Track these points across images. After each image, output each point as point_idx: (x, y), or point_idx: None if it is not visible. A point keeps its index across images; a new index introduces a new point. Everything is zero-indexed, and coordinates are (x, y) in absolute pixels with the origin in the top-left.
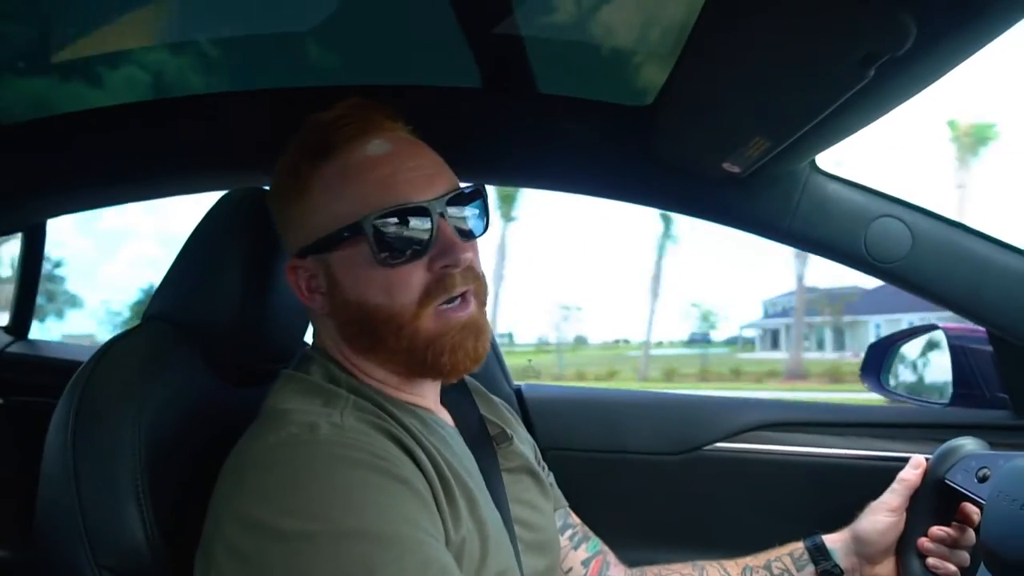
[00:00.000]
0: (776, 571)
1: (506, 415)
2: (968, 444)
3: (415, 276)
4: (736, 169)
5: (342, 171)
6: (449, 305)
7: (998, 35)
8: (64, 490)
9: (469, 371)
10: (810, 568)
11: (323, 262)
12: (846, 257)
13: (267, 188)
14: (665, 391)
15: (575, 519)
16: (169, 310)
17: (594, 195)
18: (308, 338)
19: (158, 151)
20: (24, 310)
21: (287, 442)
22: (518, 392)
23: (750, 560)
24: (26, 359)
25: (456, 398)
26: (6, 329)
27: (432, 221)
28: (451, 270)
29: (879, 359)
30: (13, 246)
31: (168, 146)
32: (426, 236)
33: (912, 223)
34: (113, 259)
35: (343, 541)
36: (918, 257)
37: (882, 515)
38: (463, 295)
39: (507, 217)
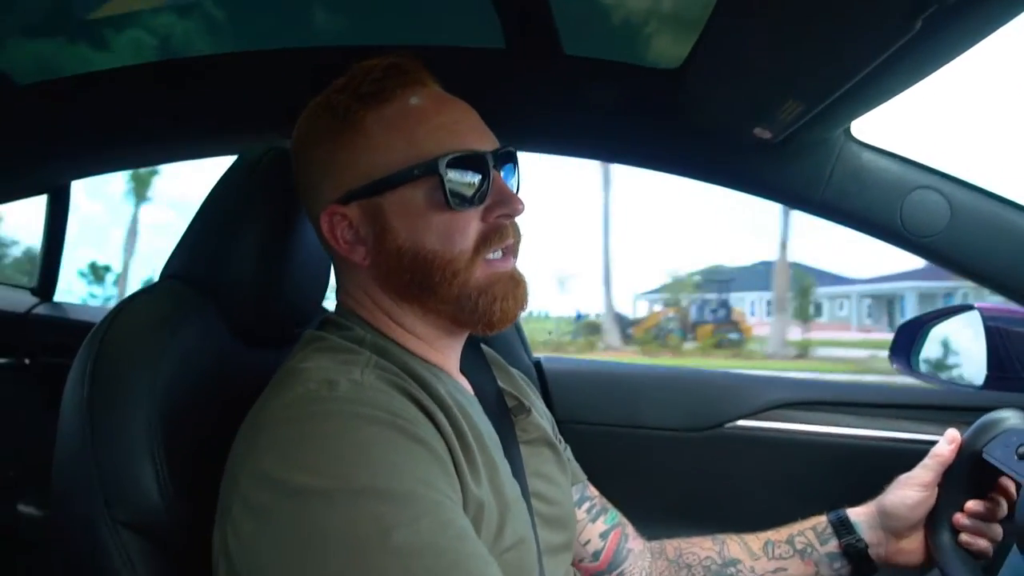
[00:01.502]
0: (799, 545)
1: (524, 387)
2: (1011, 418)
3: (472, 223)
4: (767, 135)
5: (405, 114)
6: (495, 256)
7: None
8: (80, 447)
9: (512, 321)
10: (834, 542)
11: (373, 206)
12: (881, 230)
13: (285, 146)
14: (686, 367)
15: (593, 491)
16: (186, 270)
17: (619, 162)
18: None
19: (178, 112)
20: (50, 272)
21: (305, 398)
22: (537, 364)
23: (772, 535)
24: (52, 320)
25: (474, 368)
26: (32, 291)
27: (490, 172)
28: (506, 220)
29: (909, 339)
30: None
31: (188, 107)
32: (485, 186)
33: (951, 195)
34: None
35: (358, 499)
36: (957, 231)
37: (912, 490)
38: (507, 248)
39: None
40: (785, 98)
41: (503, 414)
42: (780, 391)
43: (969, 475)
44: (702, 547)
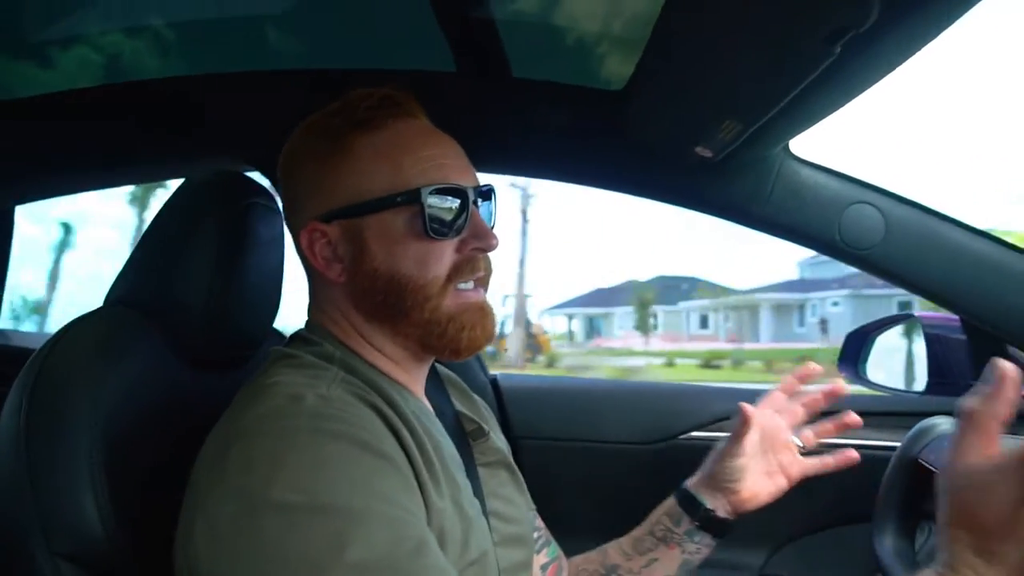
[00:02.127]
0: (659, 533)
1: (482, 411)
2: (943, 424)
3: (447, 253)
4: (708, 154)
5: (394, 142)
6: (465, 287)
7: (964, 13)
8: (17, 478)
9: (478, 351)
10: (686, 519)
11: (353, 227)
12: (820, 244)
13: (240, 169)
14: (641, 380)
15: (540, 523)
16: (132, 294)
17: (566, 180)
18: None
19: (127, 136)
20: None
21: (273, 413)
22: (493, 381)
23: (636, 531)
24: None
25: (433, 390)
26: None
27: (469, 206)
28: (479, 253)
29: (856, 349)
30: None
31: (137, 131)
32: (463, 218)
33: (886, 210)
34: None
35: (317, 516)
36: (892, 244)
37: (736, 460)
38: (478, 280)
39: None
40: (723, 118)
41: (461, 437)
42: (732, 401)
43: (907, 481)
44: (589, 560)
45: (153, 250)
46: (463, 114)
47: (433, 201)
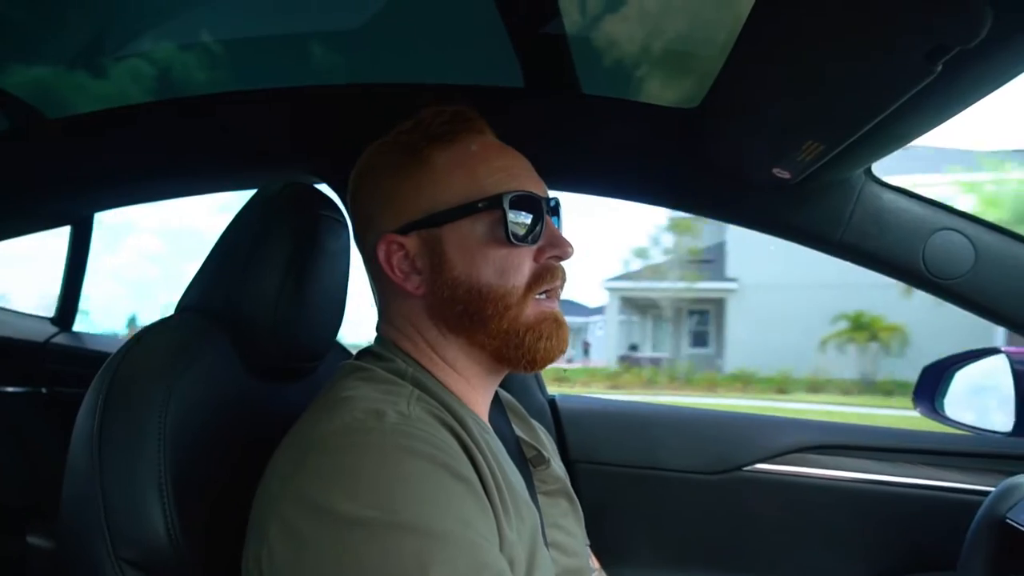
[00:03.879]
0: None
1: (541, 437)
2: None
3: (526, 262)
4: (786, 175)
5: (470, 154)
6: (543, 296)
7: None
8: (87, 481)
9: (554, 361)
10: None
11: (431, 238)
12: (903, 272)
13: (309, 181)
14: (705, 408)
15: (595, 562)
16: (203, 302)
17: (637, 200)
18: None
19: (198, 147)
20: (70, 302)
21: (353, 427)
22: (552, 402)
23: None
24: (70, 350)
25: (495, 415)
26: (51, 320)
27: (544, 215)
28: (556, 262)
29: (934, 383)
30: None
31: (208, 142)
32: (539, 227)
33: (975, 237)
34: (114, 253)
35: (399, 534)
36: (981, 273)
37: None
38: (553, 290)
39: None
40: (804, 139)
41: (523, 463)
42: (800, 434)
43: (993, 541)
44: None
45: (224, 258)
46: (531, 130)
47: (512, 207)
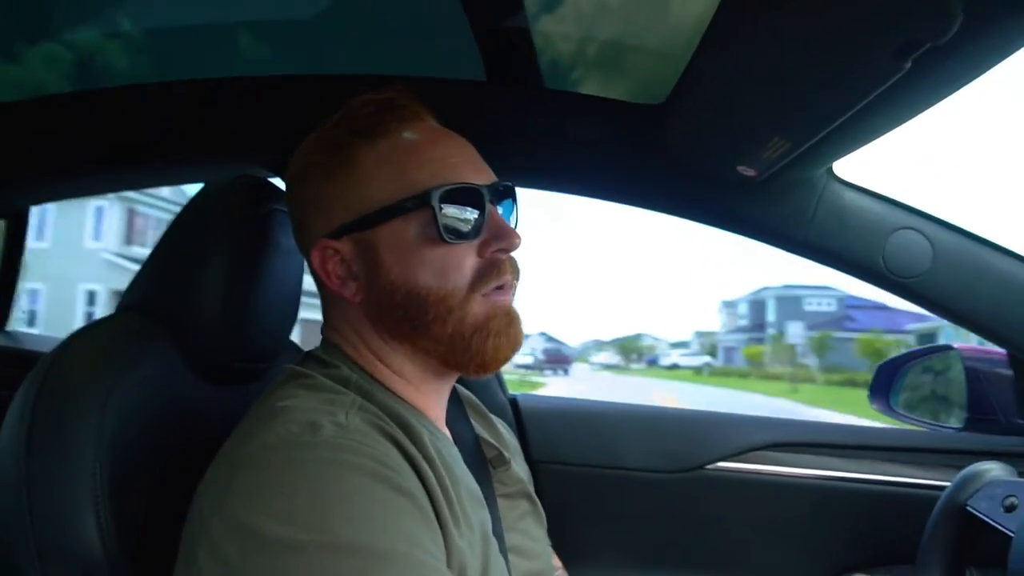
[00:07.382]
0: None
1: (503, 436)
2: (994, 469)
3: (467, 258)
4: (751, 173)
5: (399, 148)
6: (495, 291)
7: None
8: (14, 495)
9: (507, 360)
10: None
11: (364, 241)
12: (863, 271)
13: (260, 175)
14: (666, 407)
15: (557, 562)
16: (145, 301)
17: (599, 197)
18: (294, 337)
19: (142, 138)
20: (4, 300)
21: (286, 441)
22: (513, 402)
23: None
24: (4, 351)
25: (452, 416)
26: None
27: (486, 205)
28: (503, 255)
29: (889, 379)
30: None
31: (153, 134)
32: (480, 220)
33: (933, 236)
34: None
35: (337, 556)
36: (939, 272)
37: None
38: (504, 284)
39: None
40: (770, 136)
41: (481, 465)
42: (762, 431)
43: (954, 528)
44: None
45: (169, 256)
46: (493, 125)
47: (445, 202)
